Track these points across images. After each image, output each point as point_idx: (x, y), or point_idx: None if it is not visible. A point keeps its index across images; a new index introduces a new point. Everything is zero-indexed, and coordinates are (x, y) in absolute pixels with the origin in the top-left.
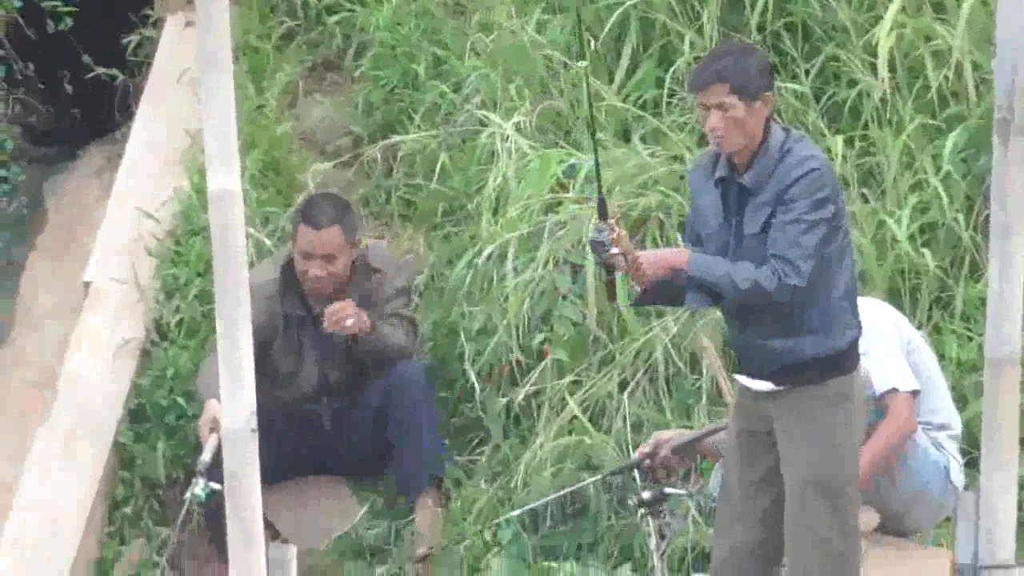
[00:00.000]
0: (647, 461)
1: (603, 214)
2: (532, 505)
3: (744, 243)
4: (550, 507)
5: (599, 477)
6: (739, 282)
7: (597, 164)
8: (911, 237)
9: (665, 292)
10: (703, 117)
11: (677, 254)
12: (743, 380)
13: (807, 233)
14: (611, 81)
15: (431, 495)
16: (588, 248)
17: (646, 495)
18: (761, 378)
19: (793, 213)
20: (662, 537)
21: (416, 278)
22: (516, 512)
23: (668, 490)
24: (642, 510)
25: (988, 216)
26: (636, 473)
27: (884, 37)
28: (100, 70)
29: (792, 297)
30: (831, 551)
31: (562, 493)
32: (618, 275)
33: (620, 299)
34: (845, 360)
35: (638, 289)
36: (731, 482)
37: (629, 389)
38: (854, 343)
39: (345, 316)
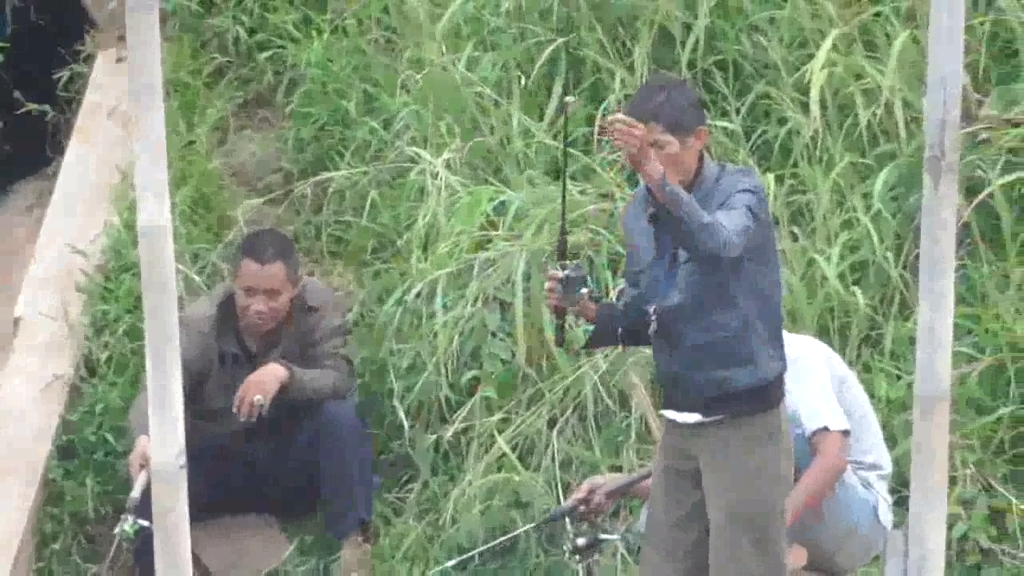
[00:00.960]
0: (581, 507)
1: (563, 253)
2: (468, 555)
3: (679, 272)
4: (478, 544)
5: (532, 526)
6: (703, 217)
7: (564, 201)
8: (841, 276)
9: (614, 333)
10: None
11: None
12: (670, 415)
13: (742, 218)
14: (541, 118)
15: (358, 534)
16: (548, 286)
17: (580, 542)
18: (688, 410)
19: (730, 206)
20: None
21: (347, 315)
22: (452, 563)
23: (603, 536)
24: (576, 557)
25: (918, 254)
26: (567, 518)
27: (816, 74)
28: (31, 106)
29: (728, 258)
30: None
31: (499, 542)
32: (570, 319)
33: (572, 342)
34: (771, 392)
35: (589, 329)
36: (657, 518)
37: (558, 427)
38: (780, 376)
39: (250, 401)
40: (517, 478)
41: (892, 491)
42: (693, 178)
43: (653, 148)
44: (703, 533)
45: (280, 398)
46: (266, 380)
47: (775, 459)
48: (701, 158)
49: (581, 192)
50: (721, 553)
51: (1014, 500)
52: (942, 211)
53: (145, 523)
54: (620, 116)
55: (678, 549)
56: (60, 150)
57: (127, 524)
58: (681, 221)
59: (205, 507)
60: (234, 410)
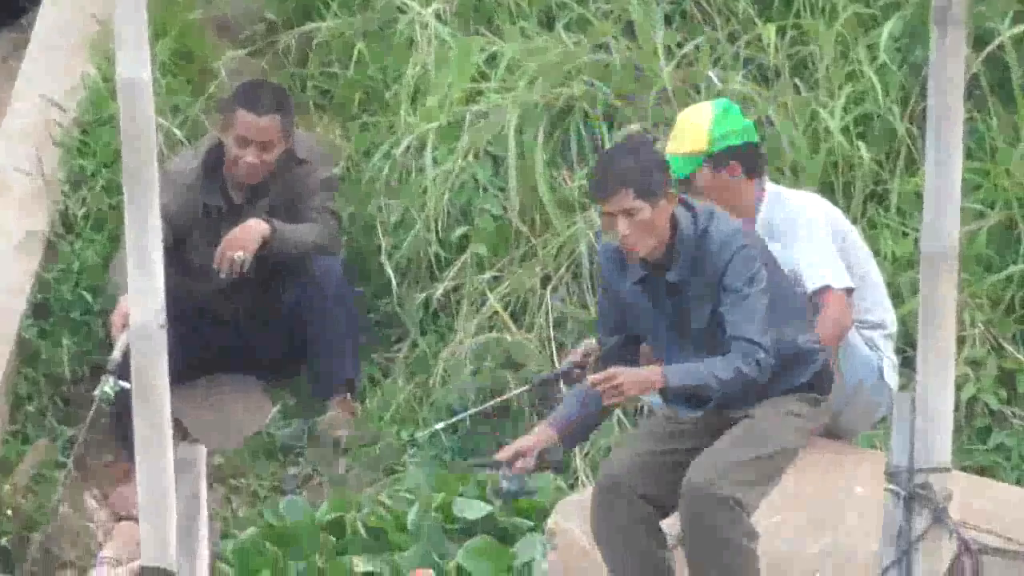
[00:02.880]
0: (576, 371)
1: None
2: (458, 417)
3: (692, 337)
4: (469, 405)
5: (525, 388)
6: (722, 375)
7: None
8: (845, 129)
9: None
10: (607, 223)
11: (651, 372)
12: (675, 410)
13: (755, 309)
14: None
15: (344, 395)
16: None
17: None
18: (707, 408)
19: (738, 295)
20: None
21: (335, 170)
22: (441, 425)
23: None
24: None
25: (925, 107)
26: (561, 381)
27: None
28: None
29: (767, 373)
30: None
31: (490, 404)
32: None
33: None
34: (817, 384)
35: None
36: (627, 480)
37: (552, 285)
38: (823, 367)
39: (230, 258)
40: (509, 338)
41: (898, 351)
42: (669, 241)
43: (623, 216)
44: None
45: (263, 254)
46: (247, 236)
47: (792, 429)
48: (674, 216)
49: (576, 43)
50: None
51: None
52: (950, 63)
53: (126, 385)
54: (596, 377)
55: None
56: (36, 0)
57: (107, 385)
58: (707, 390)
59: (186, 369)
60: (214, 266)
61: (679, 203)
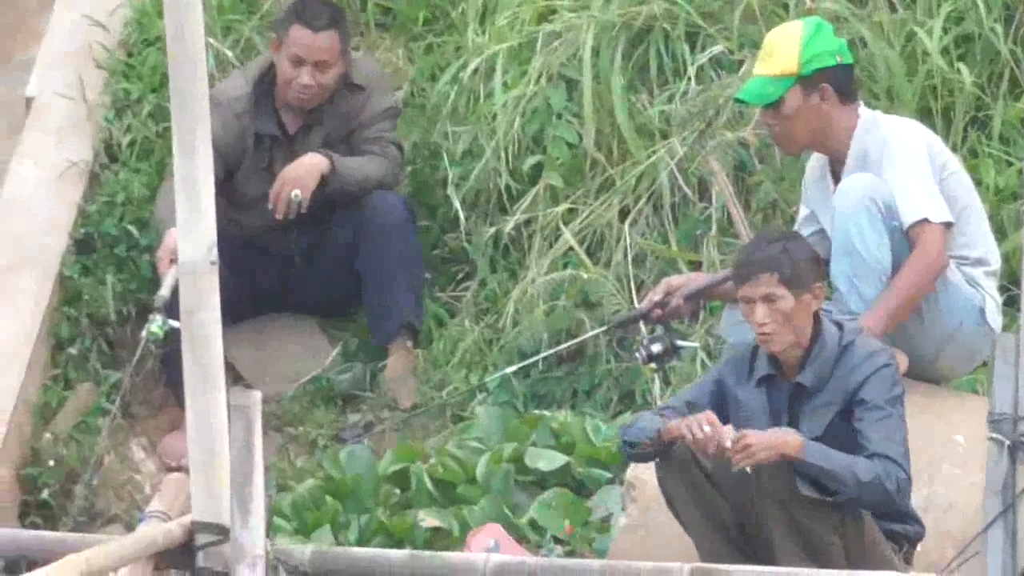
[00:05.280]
0: (657, 311)
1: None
2: (530, 360)
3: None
4: (541, 348)
5: (603, 329)
6: (861, 474)
7: None
8: (944, 50)
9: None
10: (746, 312)
11: (788, 437)
12: None
13: (898, 429)
14: None
15: (406, 341)
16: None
17: (656, 348)
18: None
19: (880, 412)
20: (667, 383)
21: (397, 95)
22: (512, 368)
23: (680, 343)
24: (651, 364)
25: None
26: (641, 322)
27: None
28: None
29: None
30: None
31: (565, 347)
32: None
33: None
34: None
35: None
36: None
37: (630, 218)
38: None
39: (287, 198)
40: (585, 275)
41: (1001, 289)
42: (810, 342)
43: (764, 302)
44: None
45: (320, 191)
46: (304, 173)
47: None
48: (818, 320)
49: None
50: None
51: None
52: None
53: (175, 324)
54: (725, 437)
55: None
56: None
57: (155, 325)
58: (839, 483)
59: (239, 308)
60: (269, 207)
61: (831, 322)
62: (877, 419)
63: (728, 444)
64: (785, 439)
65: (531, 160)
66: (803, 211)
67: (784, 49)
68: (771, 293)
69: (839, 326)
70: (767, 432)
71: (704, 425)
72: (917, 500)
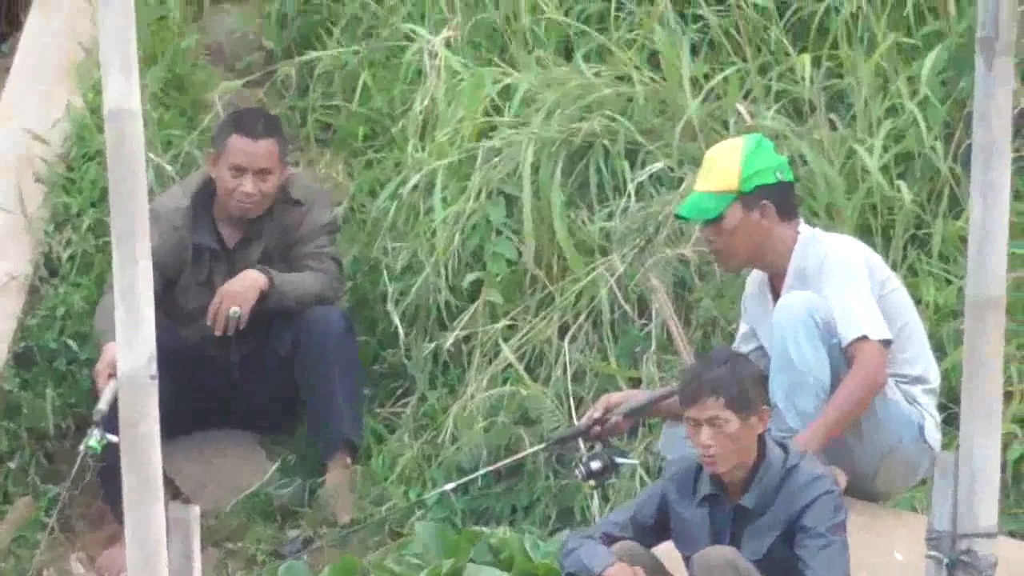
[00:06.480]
0: (596, 428)
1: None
2: (469, 477)
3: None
4: (480, 464)
5: (542, 447)
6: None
7: None
8: (884, 168)
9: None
10: (691, 433)
11: None
12: None
13: (840, 556)
14: None
15: (345, 456)
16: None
17: (595, 465)
18: None
19: (821, 539)
20: (606, 500)
21: (336, 210)
22: (451, 485)
23: (619, 459)
24: (590, 481)
25: (969, 145)
26: (580, 439)
27: None
28: None
29: None
30: None
31: (504, 463)
32: None
33: None
34: None
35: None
36: None
37: (570, 334)
38: None
39: (225, 314)
40: (524, 392)
41: (941, 408)
42: (754, 464)
43: (710, 425)
44: None
45: (259, 306)
46: (243, 290)
47: None
48: (763, 441)
49: (596, 74)
50: None
51: None
52: (996, 96)
53: (113, 438)
54: None
55: None
56: (17, 25)
57: (93, 439)
58: None
59: (178, 421)
60: (208, 321)
61: (776, 444)
62: (819, 547)
63: None
64: None
65: (471, 276)
66: (742, 328)
67: (725, 165)
68: (717, 416)
69: (784, 448)
70: None
71: None
72: None
